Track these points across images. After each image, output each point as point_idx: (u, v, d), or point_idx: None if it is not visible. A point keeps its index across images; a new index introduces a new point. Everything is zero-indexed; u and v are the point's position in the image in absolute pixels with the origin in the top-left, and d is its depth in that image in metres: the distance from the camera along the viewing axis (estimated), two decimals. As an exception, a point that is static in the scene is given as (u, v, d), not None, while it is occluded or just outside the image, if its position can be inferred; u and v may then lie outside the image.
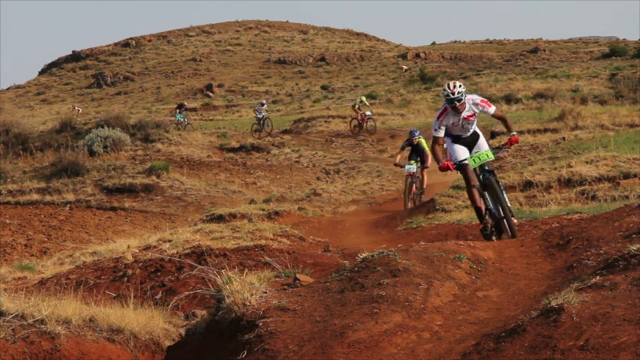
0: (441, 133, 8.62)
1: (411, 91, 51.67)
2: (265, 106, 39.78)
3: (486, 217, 8.80)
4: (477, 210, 8.88)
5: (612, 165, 16.38)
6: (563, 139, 25.42)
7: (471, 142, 8.82)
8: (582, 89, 42.88)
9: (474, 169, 8.78)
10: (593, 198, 14.64)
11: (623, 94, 37.44)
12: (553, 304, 5.01)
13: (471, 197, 8.87)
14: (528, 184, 16.33)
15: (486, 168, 8.74)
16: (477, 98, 8.63)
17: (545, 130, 27.24)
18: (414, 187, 17.44)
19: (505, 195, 8.82)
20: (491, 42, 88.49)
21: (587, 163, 16.81)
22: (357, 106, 35.89)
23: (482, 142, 8.90)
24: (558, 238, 7.72)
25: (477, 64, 74.06)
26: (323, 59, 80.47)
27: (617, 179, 15.60)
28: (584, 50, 73.76)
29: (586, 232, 7.50)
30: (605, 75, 49.63)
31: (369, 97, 51.44)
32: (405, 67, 69.95)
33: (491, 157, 8.57)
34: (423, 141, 17.58)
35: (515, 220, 9.07)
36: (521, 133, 27.15)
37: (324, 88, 67.74)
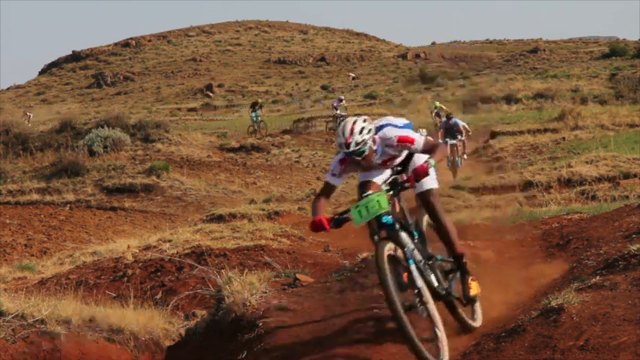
0: (338, 182, 5.70)
1: (411, 91, 51.69)
2: (344, 102, 35.35)
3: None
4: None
5: (612, 165, 16.40)
6: (563, 139, 25.43)
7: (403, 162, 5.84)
8: (582, 89, 42.90)
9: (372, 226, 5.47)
10: (593, 198, 14.64)
11: (623, 94, 37.47)
12: (553, 304, 5.01)
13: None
14: (528, 184, 16.34)
15: (387, 221, 5.39)
16: (393, 137, 5.59)
17: (545, 130, 27.25)
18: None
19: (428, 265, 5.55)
20: (491, 42, 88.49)
21: (587, 163, 16.83)
22: (435, 113, 30.32)
23: (420, 157, 5.69)
24: (558, 238, 7.73)
25: (477, 64, 74.06)
26: (323, 59, 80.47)
27: (617, 179, 15.62)
28: (584, 50, 73.75)
29: (586, 232, 7.51)
30: (605, 75, 49.67)
31: (369, 97, 51.36)
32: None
33: (385, 206, 5.28)
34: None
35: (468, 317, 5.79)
36: (521, 133, 27.19)
37: (324, 88, 67.73)
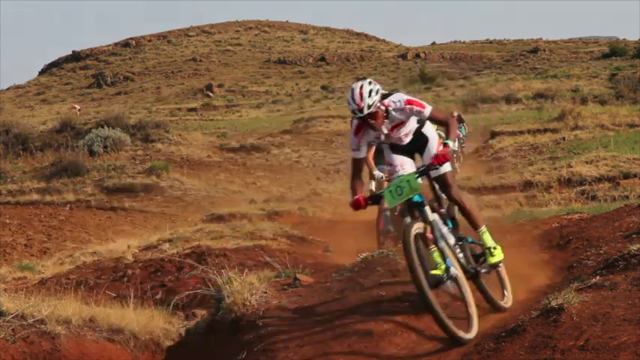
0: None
1: (411, 91, 51.69)
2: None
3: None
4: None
5: (612, 165, 16.41)
6: (563, 139, 25.43)
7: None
8: (582, 89, 42.91)
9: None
10: (593, 198, 14.65)
11: (623, 94, 37.48)
12: (553, 304, 5.00)
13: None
14: (528, 184, 16.34)
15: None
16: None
17: (545, 130, 27.24)
18: None
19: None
20: (491, 42, 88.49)
21: (587, 163, 16.85)
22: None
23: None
24: (558, 238, 7.71)
25: (477, 64, 74.07)
26: (323, 59, 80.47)
27: (617, 179, 15.62)
28: (584, 50, 73.77)
29: (586, 232, 7.50)
30: (605, 75, 49.68)
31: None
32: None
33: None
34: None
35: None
36: (521, 133, 27.20)
37: (324, 88, 67.74)
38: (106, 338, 6.97)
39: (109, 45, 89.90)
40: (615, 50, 63.84)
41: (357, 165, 5.89)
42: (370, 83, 5.68)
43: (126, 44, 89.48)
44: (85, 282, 11.45)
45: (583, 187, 15.41)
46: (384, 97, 5.74)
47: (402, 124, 5.85)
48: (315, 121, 39.27)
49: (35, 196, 27.31)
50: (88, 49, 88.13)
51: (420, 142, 5.96)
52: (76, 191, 27.78)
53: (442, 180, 5.89)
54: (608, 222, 7.52)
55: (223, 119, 50.66)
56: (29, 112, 66.45)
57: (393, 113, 5.76)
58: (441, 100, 42.71)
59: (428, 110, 5.75)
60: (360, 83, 5.69)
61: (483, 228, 5.99)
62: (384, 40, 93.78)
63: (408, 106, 5.73)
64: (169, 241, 13.24)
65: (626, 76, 44.15)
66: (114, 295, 10.54)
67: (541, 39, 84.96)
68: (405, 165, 5.94)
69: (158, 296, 10.22)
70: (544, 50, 75.81)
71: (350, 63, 79.75)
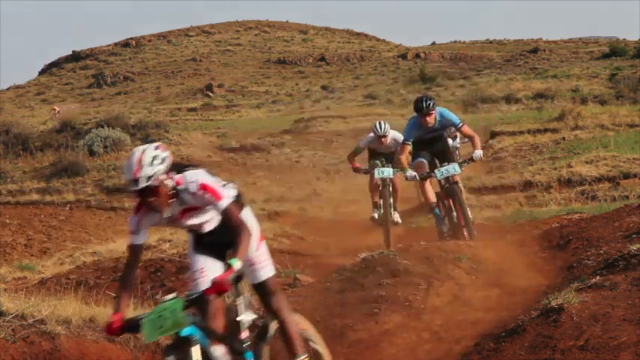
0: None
1: (411, 91, 51.69)
2: None
3: None
4: None
5: (612, 165, 16.41)
6: (563, 139, 25.42)
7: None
8: (582, 89, 42.92)
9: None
10: (593, 198, 14.65)
11: (623, 94, 37.48)
12: (553, 304, 5.01)
13: None
14: (528, 184, 16.35)
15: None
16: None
17: (545, 130, 27.22)
18: None
19: None
20: (491, 42, 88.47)
21: (587, 163, 16.85)
22: None
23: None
24: (558, 238, 7.73)
25: (477, 64, 74.05)
26: (323, 59, 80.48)
27: (617, 179, 15.62)
28: (584, 50, 73.76)
29: (586, 232, 7.51)
30: (605, 75, 49.71)
31: (369, 97, 51.26)
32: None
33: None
34: None
35: None
36: (521, 133, 27.21)
37: (324, 88, 67.75)
38: (106, 338, 6.96)
39: (109, 45, 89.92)
40: (615, 50, 63.84)
41: (134, 254, 4.50)
42: (157, 148, 4.32)
43: (126, 44, 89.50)
44: (85, 282, 11.45)
45: (583, 187, 15.41)
46: (179, 170, 4.40)
47: (197, 209, 4.48)
48: (315, 121, 39.26)
49: (35, 196, 27.33)
50: (88, 49, 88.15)
51: (231, 233, 4.35)
52: (76, 191, 27.79)
53: (263, 287, 4.70)
54: (608, 222, 7.53)
55: (223, 119, 50.60)
56: (29, 112, 66.45)
57: (184, 195, 4.38)
58: (441, 100, 42.68)
59: (223, 204, 4.34)
60: (142, 147, 4.34)
61: (303, 357, 4.64)
62: (384, 40, 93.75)
63: (200, 192, 4.35)
64: (169, 241, 13.24)
65: (626, 76, 44.15)
66: (114, 295, 10.54)
67: (541, 39, 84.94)
68: (207, 270, 4.61)
69: (158, 296, 10.21)
70: (544, 50, 75.80)
71: (350, 63, 79.75)
